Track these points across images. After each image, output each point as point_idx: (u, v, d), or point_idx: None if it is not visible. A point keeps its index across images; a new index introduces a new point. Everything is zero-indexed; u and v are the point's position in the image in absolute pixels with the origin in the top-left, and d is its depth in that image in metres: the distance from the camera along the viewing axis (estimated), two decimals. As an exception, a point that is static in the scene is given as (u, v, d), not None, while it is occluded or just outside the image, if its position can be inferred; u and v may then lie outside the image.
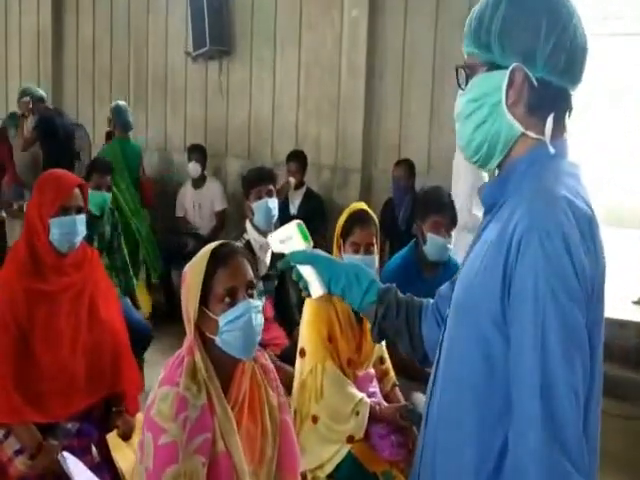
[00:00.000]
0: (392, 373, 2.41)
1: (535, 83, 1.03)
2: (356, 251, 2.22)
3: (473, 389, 1.01)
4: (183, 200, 5.29)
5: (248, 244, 3.07)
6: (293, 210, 4.81)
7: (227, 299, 1.49)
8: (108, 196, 3.53)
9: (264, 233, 3.07)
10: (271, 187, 3.14)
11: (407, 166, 4.48)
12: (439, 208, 2.76)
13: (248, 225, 3.12)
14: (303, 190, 4.85)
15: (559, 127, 1.06)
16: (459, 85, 1.11)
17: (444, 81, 4.66)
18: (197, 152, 5.15)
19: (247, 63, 5.58)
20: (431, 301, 1.29)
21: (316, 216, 4.75)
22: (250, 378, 1.59)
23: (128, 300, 3.55)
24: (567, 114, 1.08)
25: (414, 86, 4.83)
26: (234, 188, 5.42)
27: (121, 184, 4.70)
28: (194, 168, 5.11)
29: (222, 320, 1.48)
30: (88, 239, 3.43)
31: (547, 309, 0.91)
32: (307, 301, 2.24)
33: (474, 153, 1.11)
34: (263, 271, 3.07)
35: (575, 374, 0.91)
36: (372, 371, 2.35)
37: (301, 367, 2.18)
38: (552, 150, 1.04)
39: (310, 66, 5.22)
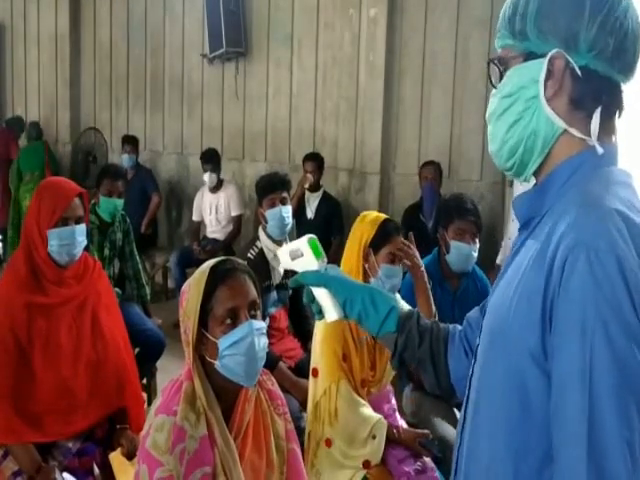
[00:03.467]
0: (411, 392, 2.28)
1: (578, 72, 0.87)
2: (393, 261, 2.15)
3: (507, 436, 0.87)
4: (200, 204, 5.19)
5: (261, 252, 2.96)
6: (310, 214, 4.71)
7: (228, 320, 1.38)
8: (120, 202, 3.44)
9: (278, 242, 2.96)
10: (285, 195, 3.02)
11: (436, 167, 4.32)
12: (462, 214, 2.65)
13: (261, 233, 3.02)
14: (320, 193, 4.73)
15: (607, 128, 0.90)
16: (491, 83, 0.97)
17: (466, 82, 4.49)
18: (210, 161, 4.98)
19: (264, 64, 5.48)
20: (458, 327, 1.14)
21: (334, 220, 4.70)
22: (255, 405, 1.47)
23: (137, 308, 3.45)
24: (617, 113, 0.91)
25: (434, 87, 4.67)
26: (252, 192, 5.31)
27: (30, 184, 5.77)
28: (210, 179, 4.99)
29: (222, 343, 1.37)
30: (99, 246, 3.40)
31: (596, 345, 0.77)
32: None
33: (508, 158, 0.95)
34: (277, 280, 2.95)
35: (629, 423, 0.76)
36: (390, 388, 2.23)
37: (314, 388, 2.06)
38: (600, 150, 0.88)
39: (328, 67, 5.10)
